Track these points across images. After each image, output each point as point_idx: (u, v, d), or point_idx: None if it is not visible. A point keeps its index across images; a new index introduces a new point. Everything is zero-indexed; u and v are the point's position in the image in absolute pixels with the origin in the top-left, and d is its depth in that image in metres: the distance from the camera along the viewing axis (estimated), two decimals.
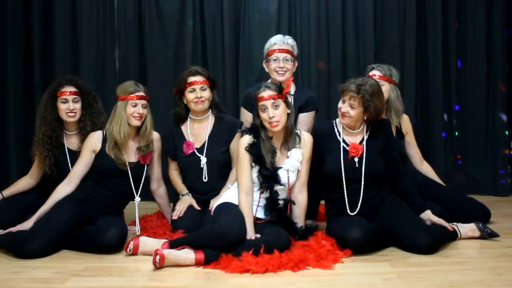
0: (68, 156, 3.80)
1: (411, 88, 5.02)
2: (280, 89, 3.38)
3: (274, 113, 3.30)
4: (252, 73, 5.04)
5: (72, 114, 3.75)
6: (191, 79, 3.72)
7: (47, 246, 3.28)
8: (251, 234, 3.18)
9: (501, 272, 2.89)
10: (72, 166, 3.73)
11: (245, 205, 3.31)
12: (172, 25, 5.13)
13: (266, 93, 3.34)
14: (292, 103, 3.81)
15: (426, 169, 4.19)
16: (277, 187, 3.36)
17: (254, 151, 3.35)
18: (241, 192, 3.34)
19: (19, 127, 5.05)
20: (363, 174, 3.40)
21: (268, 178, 3.33)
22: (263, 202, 3.38)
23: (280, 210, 3.37)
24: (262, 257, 2.99)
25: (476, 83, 5.18)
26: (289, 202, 3.42)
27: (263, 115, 3.33)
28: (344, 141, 3.49)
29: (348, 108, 3.37)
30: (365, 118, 3.42)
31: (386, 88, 3.90)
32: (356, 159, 3.43)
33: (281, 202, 3.38)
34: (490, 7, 5.13)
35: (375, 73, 3.93)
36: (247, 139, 3.40)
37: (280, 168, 3.37)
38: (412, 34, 5.11)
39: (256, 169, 3.35)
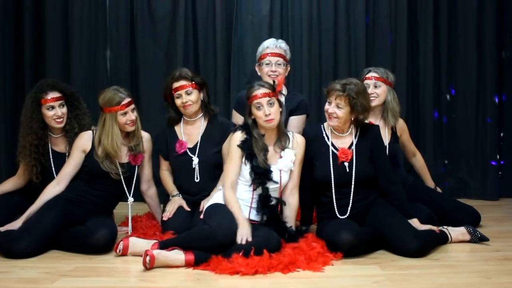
0: (52, 159, 3.77)
1: (402, 91, 5.03)
2: (273, 88, 3.41)
3: (270, 111, 3.32)
4: (244, 75, 5.04)
5: (60, 119, 3.72)
6: (175, 84, 3.72)
7: (36, 246, 3.26)
8: (243, 223, 3.18)
9: (490, 276, 2.89)
10: (56, 169, 3.72)
11: (232, 197, 3.31)
12: (164, 26, 5.12)
13: (260, 91, 3.35)
14: (284, 108, 3.81)
15: (416, 162, 4.30)
16: (270, 186, 3.35)
17: (246, 147, 3.36)
18: (227, 187, 3.35)
19: (9, 127, 5.01)
20: (353, 179, 3.41)
21: (260, 174, 3.33)
22: (255, 203, 3.37)
23: (272, 207, 3.36)
24: (252, 258, 2.98)
25: (467, 88, 5.19)
26: (280, 202, 3.42)
27: (258, 113, 3.34)
28: (333, 145, 3.50)
29: (335, 109, 3.38)
30: (352, 118, 3.43)
31: (383, 89, 3.96)
32: (346, 164, 3.44)
33: (273, 200, 3.37)
34: (481, 7, 5.14)
35: (373, 75, 3.98)
36: (239, 135, 3.41)
37: (273, 166, 3.37)
38: (403, 37, 5.12)
39: (248, 165, 3.34)
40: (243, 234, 3.13)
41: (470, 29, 5.15)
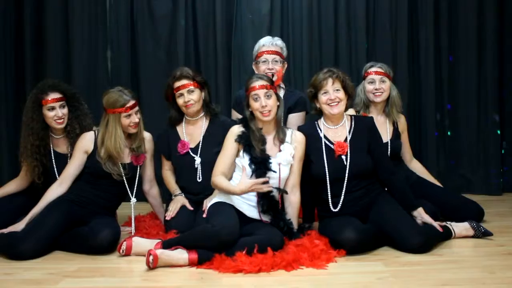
0: (54, 160, 3.77)
1: (403, 88, 5.02)
2: (271, 81, 3.42)
3: (267, 103, 3.33)
4: (245, 73, 5.02)
5: (61, 120, 3.72)
6: (177, 84, 3.72)
7: (39, 247, 3.27)
8: (244, 185, 3.22)
9: (494, 270, 2.89)
10: (58, 170, 3.72)
11: (222, 180, 3.32)
12: (164, 26, 5.12)
13: (258, 82, 3.36)
14: (283, 102, 3.81)
15: (415, 166, 4.22)
16: (270, 177, 3.31)
17: (244, 140, 3.36)
18: (216, 175, 3.36)
19: (11, 128, 5.03)
20: (347, 171, 3.40)
21: (259, 164, 3.31)
22: (255, 200, 3.35)
23: (272, 198, 3.34)
24: (255, 256, 2.99)
25: (468, 82, 5.18)
26: (281, 192, 3.39)
27: (255, 105, 3.35)
28: (328, 140, 3.50)
29: (336, 93, 3.42)
30: (346, 101, 3.48)
31: (388, 85, 3.98)
32: (343, 157, 3.44)
33: (272, 190, 3.33)
34: (481, 4, 5.14)
35: (377, 70, 3.99)
36: (236, 129, 3.42)
37: (272, 159, 3.35)
38: (404, 35, 5.12)
39: (247, 157, 3.34)
40: (250, 183, 3.22)
41: (471, 24, 5.15)
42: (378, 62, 4.11)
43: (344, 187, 3.41)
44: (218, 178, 3.35)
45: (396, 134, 4.03)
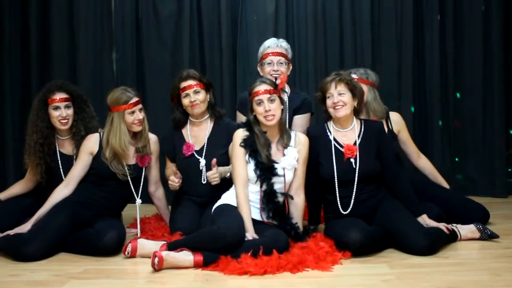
0: (60, 161, 3.78)
1: (408, 89, 5.04)
2: (275, 85, 3.42)
3: (270, 107, 3.33)
4: (250, 74, 5.04)
5: (65, 121, 3.73)
6: (183, 84, 3.73)
7: (45, 249, 3.27)
8: (250, 231, 3.19)
9: (500, 273, 2.88)
10: (64, 171, 3.73)
11: (242, 198, 3.30)
12: (170, 28, 5.14)
13: (262, 87, 3.36)
14: (287, 105, 3.81)
15: (423, 163, 4.17)
16: (275, 181, 3.33)
17: (249, 144, 3.36)
18: (238, 184, 3.33)
19: (17, 130, 5.04)
20: (357, 175, 3.40)
21: (265, 170, 3.32)
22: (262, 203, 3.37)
23: (277, 203, 3.34)
24: (260, 259, 2.98)
25: (474, 84, 5.17)
26: (286, 197, 3.40)
27: (259, 109, 3.34)
28: (337, 142, 3.50)
29: (339, 97, 3.43)
30: (355, 105, 3.47)
31: (363, 89, 3.92)
32: (352, 160, 3.44)
33: (278, 195, 3.35)
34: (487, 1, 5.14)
35: (353, 76, 3.95)
36: (241, 133, 3.41)
37: (277, 163, 3.35)
38: (409, 34, 5.12)
39: (252, 163, 3.34)
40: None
41: (476, 19, 5.13)
42: (358, 68, 4.09)
43: (354, 189, 3.41)
44: (242, 195, 3.31)
45: (391, 136, 3.97)
